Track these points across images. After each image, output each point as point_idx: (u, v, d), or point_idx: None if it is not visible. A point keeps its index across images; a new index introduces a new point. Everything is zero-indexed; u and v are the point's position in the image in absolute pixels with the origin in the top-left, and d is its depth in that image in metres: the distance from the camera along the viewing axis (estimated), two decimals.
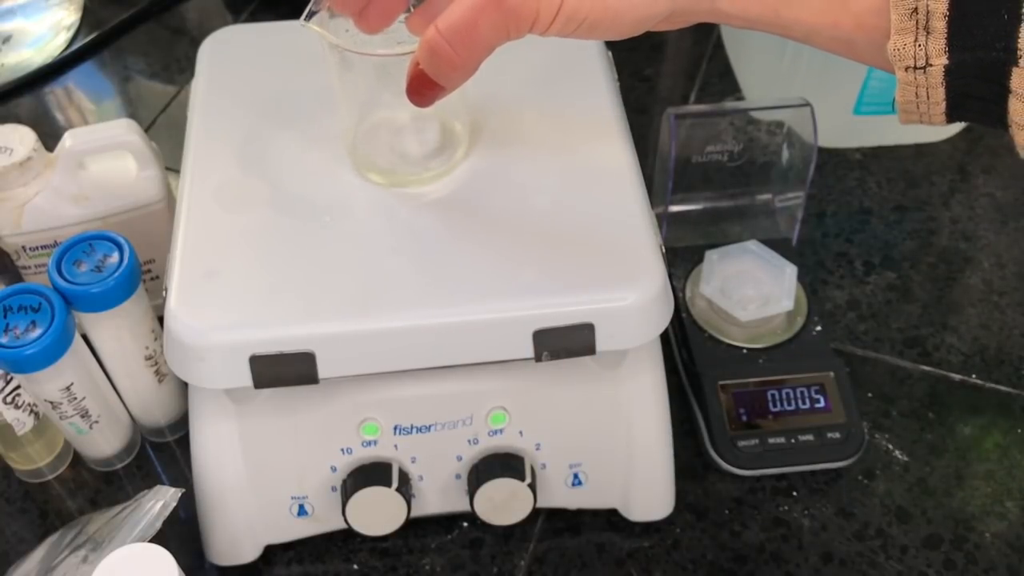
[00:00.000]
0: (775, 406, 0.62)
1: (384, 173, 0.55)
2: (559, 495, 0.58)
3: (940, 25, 0.39)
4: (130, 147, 0.62)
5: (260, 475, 0.55)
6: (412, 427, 0.54)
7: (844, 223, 0.76)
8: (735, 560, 0.59)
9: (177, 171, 0.57)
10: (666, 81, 0.87)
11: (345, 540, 0.59)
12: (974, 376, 0.67)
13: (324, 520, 0.57)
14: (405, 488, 0.55)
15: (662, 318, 0.51)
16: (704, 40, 0.88)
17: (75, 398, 0.57)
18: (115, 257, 0.56)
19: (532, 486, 0.55)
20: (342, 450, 0.55)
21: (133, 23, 0.93)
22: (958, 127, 0.82)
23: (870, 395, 0.66)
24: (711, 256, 0.67)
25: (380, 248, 0.52)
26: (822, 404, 0.62)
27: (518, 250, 0.52)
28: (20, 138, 0.60)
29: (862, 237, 0.75)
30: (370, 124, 0.56)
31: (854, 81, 0.75)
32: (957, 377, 0.67)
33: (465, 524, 0.60)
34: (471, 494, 0.55)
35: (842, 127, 0.78)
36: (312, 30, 0.49)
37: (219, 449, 0.54)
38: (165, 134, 0.82)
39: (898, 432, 0.64)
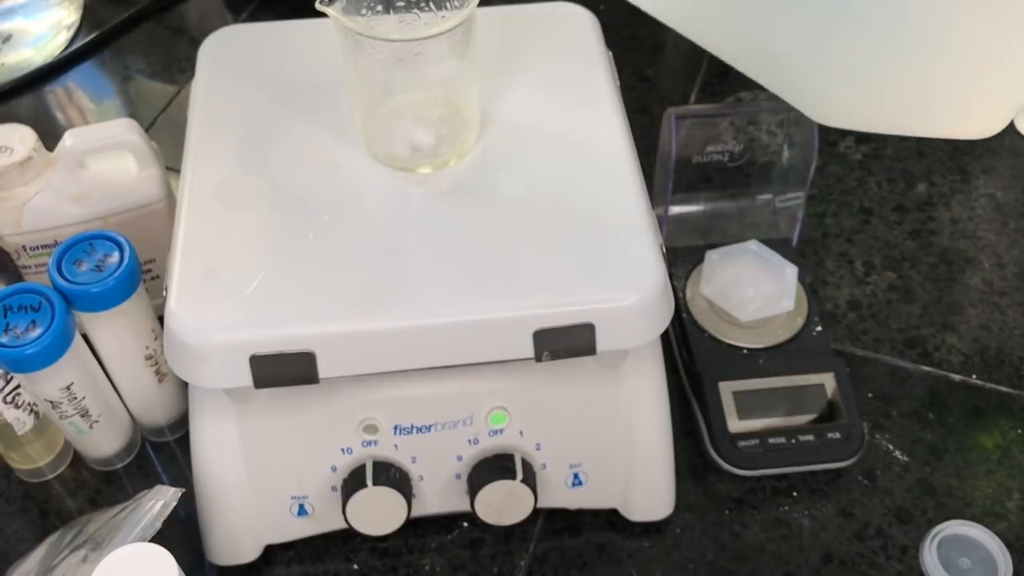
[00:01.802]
0: (775, 406, 0.62)
1: (395, 157, 0.55)
2: (559, 495, 0.58)
3: None
4: (130, 146, 0.62)
5: (260, 475, 0.55)
6: (412, 427, 0.54)
7: (844, 223, 0.76)
8: (735, 560, 0.59)
9: (177, 170, 0.57)
10: (666, 81, 0.87)
11: (345, 540, 0.59)
12: (974, 376, 0.67)
13: (324, 520, 0.57)
14: (406, 487, 0.55)
15: (662, 318, 0.51)
16: None
17: (75, 398, 0.57)
18: (115, 257, 0.56)
19: (530, 484, 0.55)
20: (342, 450, 0.55)
21: (133, 23, 0.93)
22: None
23: (870, 395, 0.66)
24: (711, 256, 0.67)
25: (380, 248, 0.52)
26: (822, 404, 0.62)
27: (518, 250, 0.52)
28: (20, 138, 0.60)
29: (862, 237, 0.75)
30: (383, 109, 0.56)
31: None
32: (957, 377, 0.67)
33: (465, 524, 0.60)
34: (471, 494, 0.55)
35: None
36: (329, 13, 0.50)
37: (219, 449, 0.54)
38: (165, 134, 0.82)
39: (898, 432, 0.64)
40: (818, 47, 0.48)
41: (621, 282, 0.50)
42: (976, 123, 0.47)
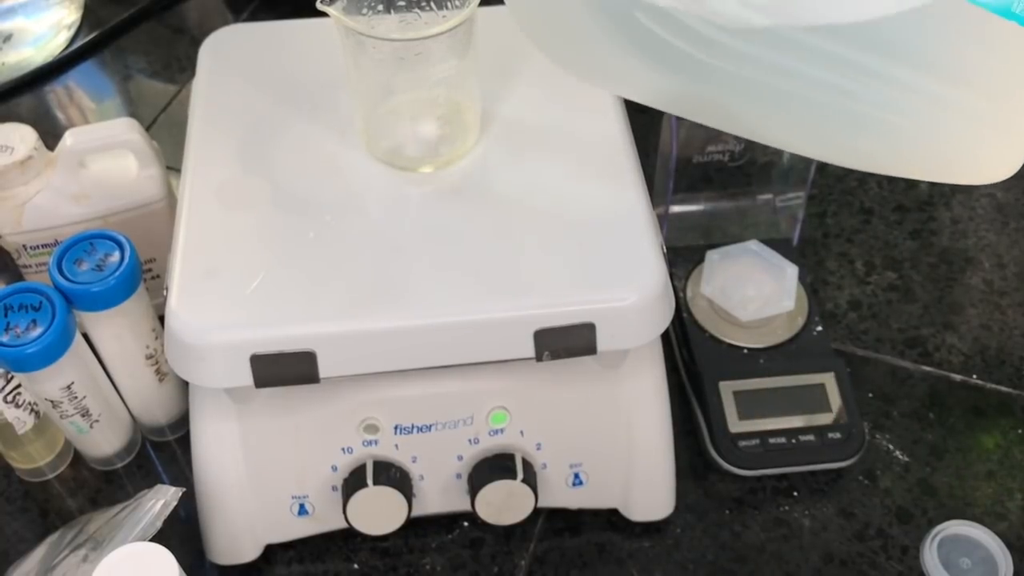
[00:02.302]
0: (775, 406, 0.62)
1: (395, 156, 0.55)
2: (559, 495, 0.58)
3: None
4: (131, 146, 0.62)
5: (260, 474, 0.55)
6: (413, 427, 0.54)
7: (845, 223, 0.76)
8: (735, 560, 0.59)
9: (178, 170, 0.57)
10: None
11: (345, 540, 0.59)
12: (974, 376, 0.67)
13: (324, 519, 0.57)
14: (406, 487, 0.55)
15: (663, 318, 0.51)
16: None
17: (76, 397, 0.57)
18: (116, 256, 0.56)
19: (530, 484, 0.55)
20: (343, 449, 0.55)
21: (134, 22, 0.93)
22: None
23: (870, 395, 0.66)
24: (712, 256, 0.67)
25: (381, 247, 0.52)
26: (822, 404, 0.62)
27: (519, 249, 0.52)
28: (21, 137, 0.60)
29: (863, 237, 0.75)
30: (383, 108, 0.56)
31: None
32: (958, 377, 0.67)
33: (465, 524, 0.60)
34: (472, 494, 0.55)
35: None
36: (330, 13, 0.50)
37: (219, 448, 0.54)
38: (166, 133, 0.82)
39: (898, 432, 0.64)
40: (818, 137, 0.51)
41: (621, 282, 0.50)
42: (985, 174, 0.49)
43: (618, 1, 0.48)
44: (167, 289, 0.50)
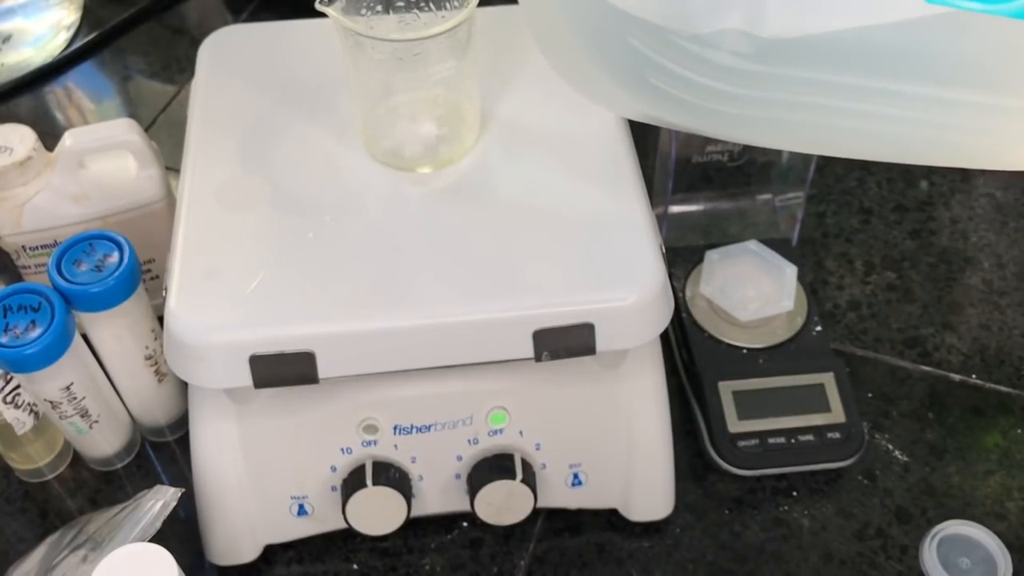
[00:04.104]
0: (775, 406, 0.62)
1: (394, 156, 0.55)
2: (559, 495, 0.58)
3: None
4: (130, 146, 0.62)
5: (260, 475, 0.55)
6: (412, 427, 0.54)
7: (844, 223, 0.76)
8: (735, 560, 0.59)
9: (177, 170, 0.57)
10: None
11: (345, 540, 0.59)
12: (974, 376, 0.67)
13: (324, 520, 0.57)
14: (406, 487, 0.55)
15: (662, 318, 0.51)
16: None
17: (75, 398, 0.57)
18: (115, 257, 0.56)
19: (530, 484, 0.55)
20: (342, 450, 0.55)
21: (133, 22, 0.93)
22: None
23: (870, 395, 0.66)
24: (711, 256, 0.67)
25: (380, 247, 0.52)
26: (822, 404, 0.62)
27: (518, 250, 0.52)
28: (20, 137, 0.60)
29: (862, 237, 0.75)
30: (383, 109, 0.56)
31: None
32: (957, 377, 0.67)
33: (465, 524, 0.60)
34: (471, 494, 0.55)
35: None
36: (328, 13, 0.50)
37: (219, 449, 0.54)
38: (165, 133, 0.82)
39: (898, 432, 0.64)
40: (854, 148, 0.52)
41: (621, 282, 0.50)
42: None
43: (627, 65, 0.48)
44: (166, 289, 0.50)
